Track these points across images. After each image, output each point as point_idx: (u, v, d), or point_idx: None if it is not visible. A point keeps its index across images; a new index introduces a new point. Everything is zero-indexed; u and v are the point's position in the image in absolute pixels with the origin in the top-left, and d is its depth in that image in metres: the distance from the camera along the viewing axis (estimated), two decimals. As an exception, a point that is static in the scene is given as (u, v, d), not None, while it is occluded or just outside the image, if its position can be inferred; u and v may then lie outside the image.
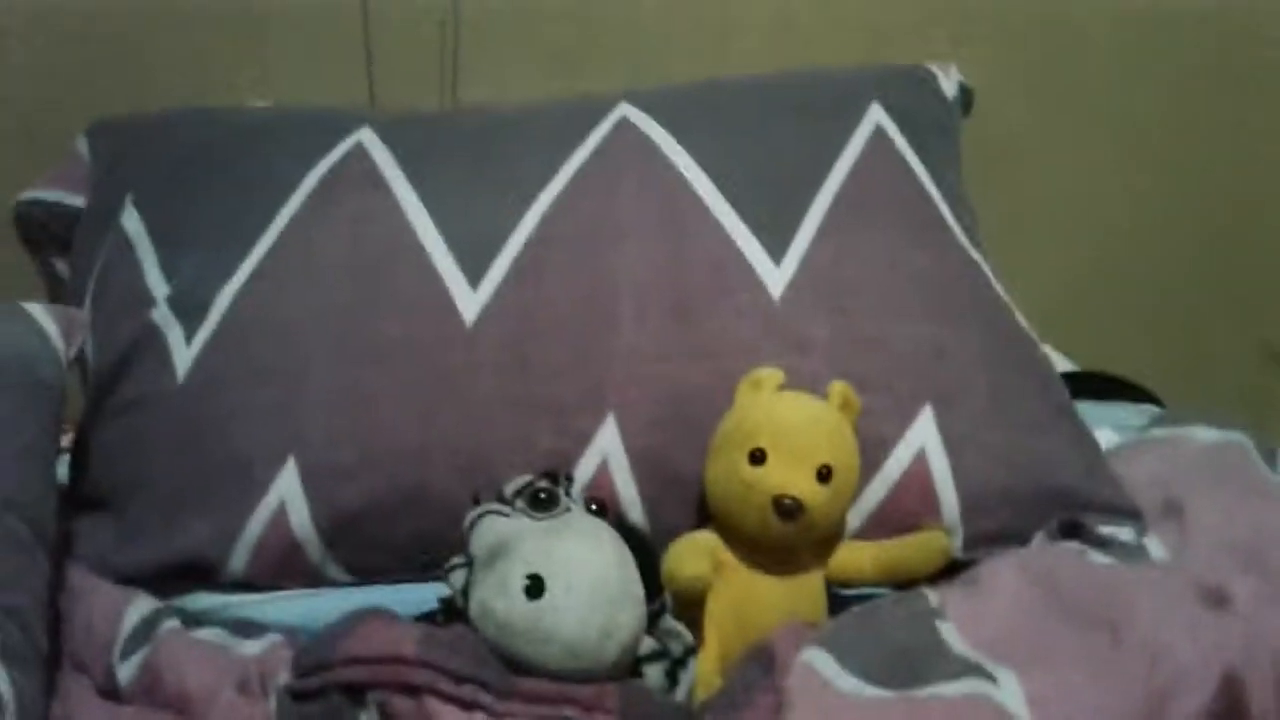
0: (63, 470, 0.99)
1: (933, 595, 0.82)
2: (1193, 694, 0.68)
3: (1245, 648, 0.70)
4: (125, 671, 0.78)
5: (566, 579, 0.68)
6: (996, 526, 0.90)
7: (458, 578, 0.73)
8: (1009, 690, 0.67)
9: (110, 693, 0.78)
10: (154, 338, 0.96)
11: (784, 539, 0.82)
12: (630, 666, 0.74)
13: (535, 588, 0.67)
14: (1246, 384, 1.64)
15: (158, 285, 0.99)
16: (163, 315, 0.96)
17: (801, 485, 0.80)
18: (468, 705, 0.66)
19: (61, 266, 1.17)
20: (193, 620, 0.84)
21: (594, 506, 0.76)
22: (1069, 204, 1.61)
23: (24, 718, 0.69)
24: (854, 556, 0.87)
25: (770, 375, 0.87)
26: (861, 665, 0.72)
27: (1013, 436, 0.93)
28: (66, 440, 0.98)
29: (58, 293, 1.12)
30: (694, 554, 0.81)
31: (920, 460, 0.90)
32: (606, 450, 0.90)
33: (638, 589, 0.71)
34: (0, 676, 0.69)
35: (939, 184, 1.07)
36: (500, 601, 0.68)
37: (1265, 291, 1.63)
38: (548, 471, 0.78)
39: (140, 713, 0.74)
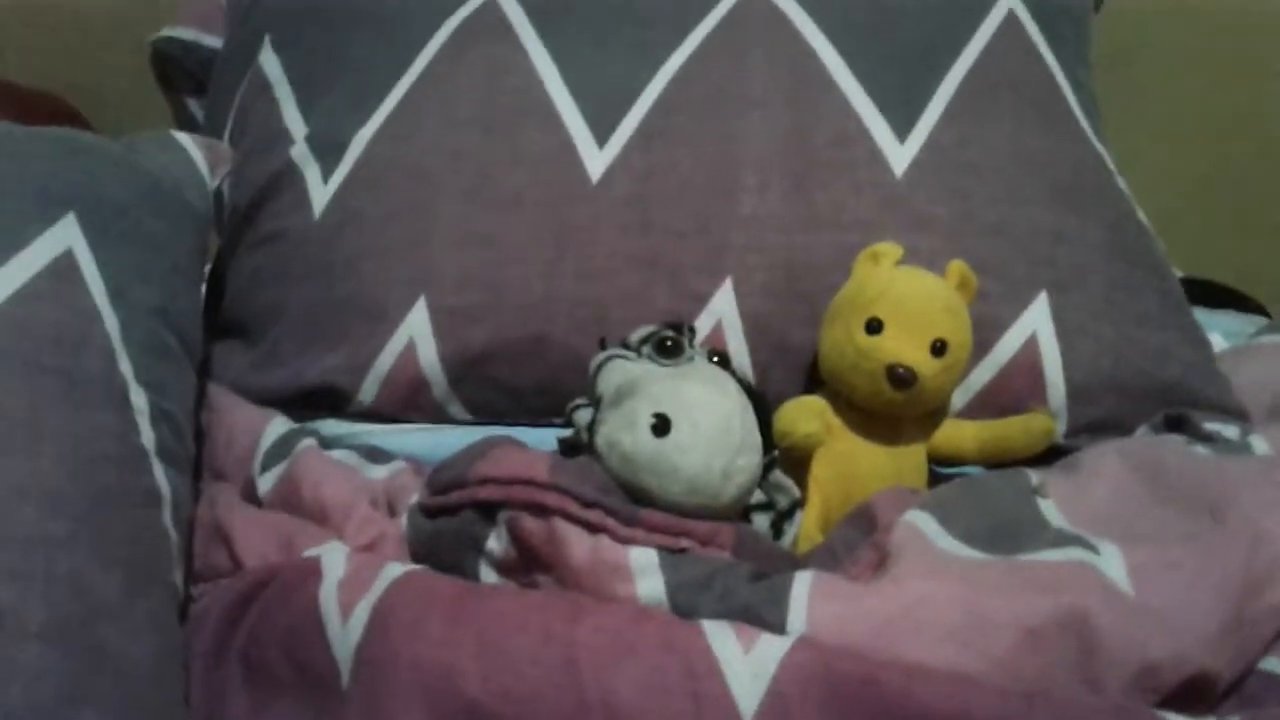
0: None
1: (1034, 474, 0.84)
2: None
3: None
4: (265, 484, 0.82)
5: (693, 419, 0.70)
6: (1101, 415, 0.92)
7: (582, 415, 0.77)
8: (1110, 560, 0.69)
9: (250, 501, 0.83)
10: (292, 175, 0.99)
11: (893, 408, 0.84)
12: (741, 512, 0.77)
13: (662, 426, 0.70)
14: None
15: (296, 125, 1.02)
16: (301, 153, 1.00)
17: (915, 356, 0.82)
18: (593, 529, 0.70)
19: (194, 106, 1.21)
20: (326, 444, 0.89)
21: (716, 358, 0.79)
22: (1188, 107, 1.57)
23: (178, 512, 0.74)
24: (957, 433, 0.88)
25: (890, 249, 0.88)
26: (964, 529, 0.74)
27: (1125, 327, 0.93)
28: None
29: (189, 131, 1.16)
30: (807, 413, 0.84)
31: (1031, 345, 0.91)
32: (721, 313, 0.92)
33: (757, 437, 0.74)
34: (160, 473, 0.73)
35: (1068, 75, 1.06)
36: (627, 436, 0.71)
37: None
38: (672, 323, 0.80)
39: (283, 517, 0.78)
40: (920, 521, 0.74)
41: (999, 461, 0.88)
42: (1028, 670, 0.64)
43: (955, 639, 0.64)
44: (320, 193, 0.98)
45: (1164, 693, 0.65)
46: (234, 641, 0.70)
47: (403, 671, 0.63)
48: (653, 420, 0.71)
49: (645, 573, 0.68)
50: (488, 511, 0.73)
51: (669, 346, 0.76)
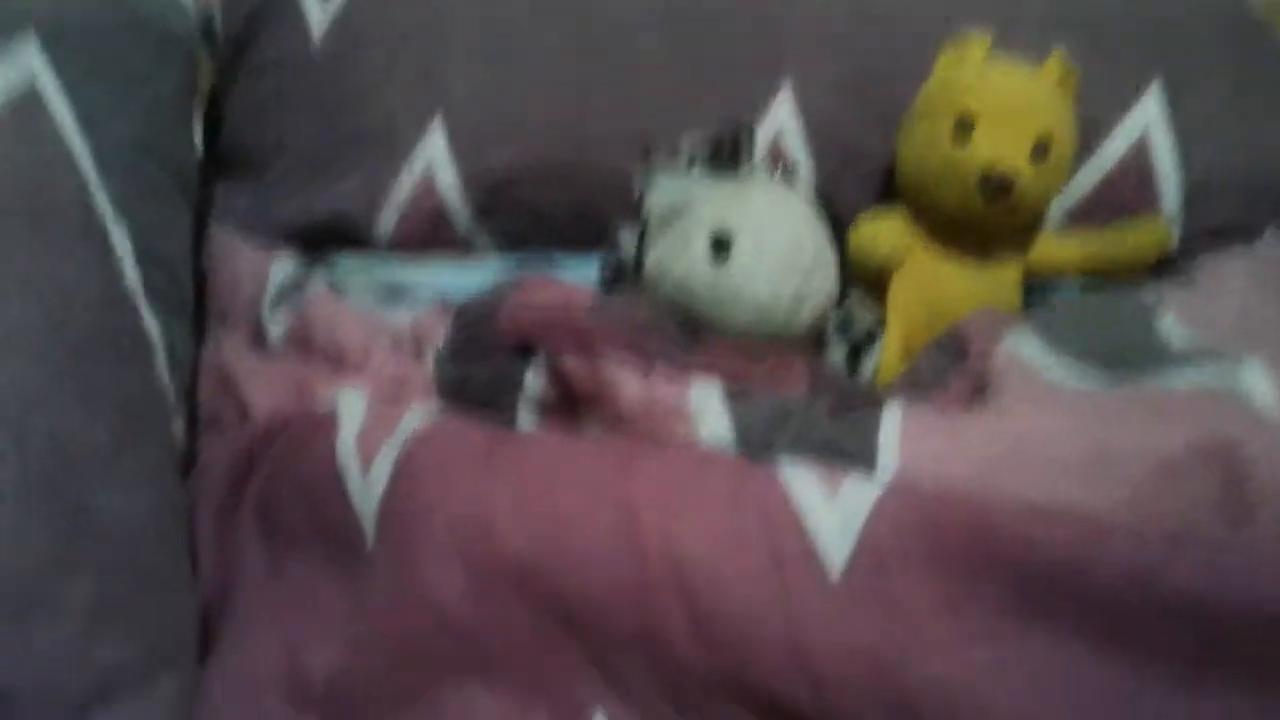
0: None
1: (1149, 295, 0.73)
2: None
3: None
4: (276, 327, 0.75)
5: (757, 240, 0.60)
6: (1221, 220, 0.81)
7: (628, 240, 0.66)
8: (1255, 377, 0.59)
9: (259, 346, 0.75)
10: (285, -1, 0.88)
11: (986, 221, 0.74)
12: (814, 342, 0.67)
13: (721, 247, 0.60)
14: None
15: (291, -59, 0.90)
16: (296, -29, 0.88)
17: (1014, 159, 0.71)
18: (648, 358, 0.60)
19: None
20: (341, 281, 0.80)
21: (780, 168, 0.68)
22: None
23: (173, 361, 0.67)
24: (1058, 246, 0.78)
25: (978, 39, 0.76)
26: (1075, 354, 0.65)
27: (1248, 120, 0.83)
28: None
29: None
30: (887, 230, 0.74)
31: (1142, 144, 0.81)
32: (781, 121, 0.81)
33: (830, 254, 0.64)
34: (150, 319, 0.66)
35: None
36: (680, 260, 0.61)
37: None
38: (730, 127, 0.69)
39: (295, 362, 0.70)
40: (1024, 345, 0.65)
41: (1106, 276, 0.78)
42: (1164, 508, 0.55)
43: (1076, 475, 0.55)
44: (318, 14, 0.87)
45: (1322, 531, 0.55)
46: (246, 495, 0.63)
47: (436, 527, 0.55)
48: (711, 241, 0.60)
49: (708, 412, 0.59)
50: (524, 350, 0.63)
51: (727, 155, 0.65)
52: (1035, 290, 0.78)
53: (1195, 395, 0.59)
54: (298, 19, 0.88)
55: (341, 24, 0.87)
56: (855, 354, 0.71)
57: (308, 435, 0.62)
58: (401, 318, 0.75)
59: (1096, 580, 0.50)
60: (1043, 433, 0.57)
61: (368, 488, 0.58)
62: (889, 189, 0.80)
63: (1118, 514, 0.54)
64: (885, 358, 0.72)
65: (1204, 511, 0.55)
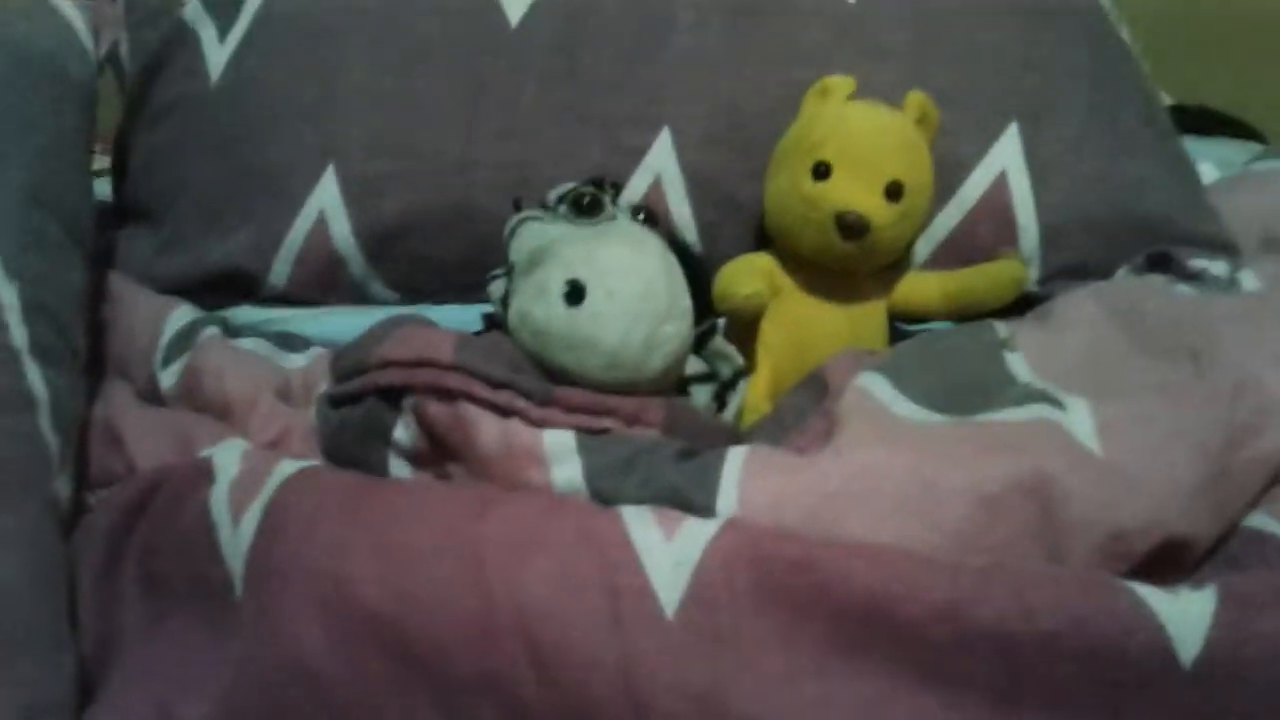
0: (106, 189, 0.96)
1: (1002, 326, 0.77)
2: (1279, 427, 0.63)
3: None
4: (167, 379, 0.76)
5: (608, 285, 0.63)
6: (1079, 258, 0.84)
7: (496, 287, 0.70)
8: (1078, 417, 0.63)
9: (152, 398, 0.76)
10: (185, 37, 0.90)
11: (846, 261, 0.77)
12: (676, 385, 0.71)
13: (575, 293, 0.63)
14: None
15: (189, -20, 0.92)
16: (194, 12, 0.91)
17: (868, 201, 0.74)
18: (504, 411, 0.63)
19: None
20: (236, 333, 0.82)
21: (641, 215, 0.71)
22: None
23: (58, 416, 0.67)
24: (920, 286, 0.81)
25: (841, 83, 0.80)
26: (921, 392, 0.67)
27: (1104, 159, 0.86)
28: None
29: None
30: (749, 273, 0.77)
31: (1000, 184, 0.84)
32: (660, 167, 0.84)
33: (685, 301, 0.67)
34: (33, 373, 0.67)
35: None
36: (538, 307, 0.64)
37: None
38: (593, 178, 0.72)
39: (181, 414, 0.72)
40: (871, 384, 0.68)
41: (968, 315, 0.80)
42: (986, 542, 0.58)
43: (904, 511, 0.58)
44: (216, 55, 0.89)
45: (1134, 560, 0.59)
46: (127, 552, 0.64)
47: (295, 580, 0.58)
48: (565, 288, 0.63)
49: (561, 457, 0.62)
50: (393, 398, 0.66)
51: (586, 204, 0.69)
52: (900, 331, 0.82)
53: (1019, 430, 0.62)
54: (196, 59, 0.90)
55: (237, 65, 0.88)
56: (722, 395, 0.74)
57: (185, 488, 0.64)
58: (297, 363, 0.78)
59: (910, 615, 0.53)
60: (875, 470, 0.60)
61: (237, 540, 0.60)
62: (767, 234, 0.82)
63: (941, 547, 0.57)
64: (752, 399, 0.75)
65: (1024, 545, 0.59)
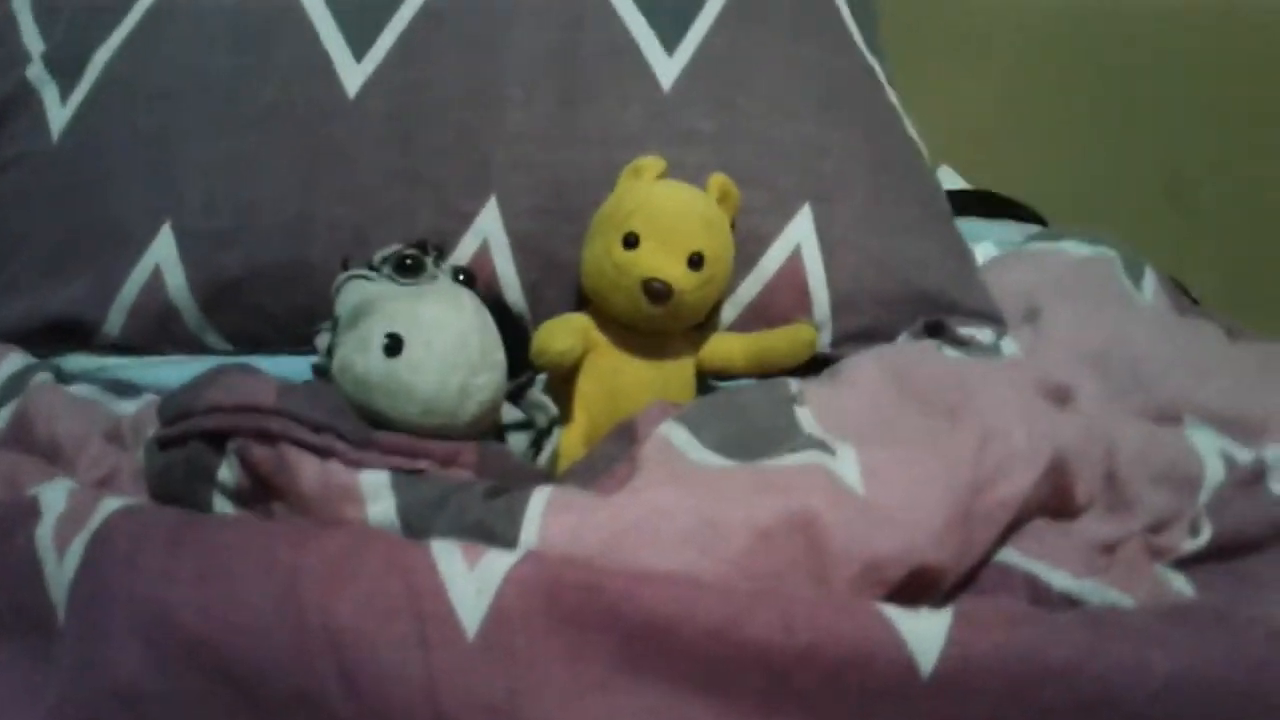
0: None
1: (794, 383, 0.85)
2: (1020, 474, 0.71)
3: (1078, 438, 0.74)
4: (-1, 422, 0.78)
5: (426, 338, 0.69)
6: (865, 324, 0.93)
7: (322, 339, 0.74)
8: (845, 461, 0.70)
9: (-19, 442, 0.78)
10: (28, 96, 0.93)
11: (654, 322, 0.84)
12: (492, 431, 0.76)
13: (394, 345, 0.68)
14: (1146, 214, 1.65)
15: (33, 41, 0.96)
16: (37, 73, 0.94)
17: (672, 270, 0.82)
18: (324, 454, 0.68)
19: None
20: (69, 379, 0.84)
21: (461, 276, 0.77)
22: (984, 26, 1.59)
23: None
24: (724, 345, 0.89)
25: (652, 163, 0.88)
26: (716, 440, 0.74)
27: (886, 238, 0.95)
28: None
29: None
30: (564, 330, 0.83)
31: (795, 258, 0.92)
32: (487, 232, 0.90)
33: (498, 354, 0.72)
34: None
35: (843, -14, 1.06)
36: (360, 358, 0.69)
37: (1170, 126, 1.63)
38: (417, 241, 0.78)
39: (10, 455, 0.74)
40: (671, 433, 0.74)
41: (767, 372, 0.88)
42: (760, 570, 0.64)
43: (689, 544, 0.64)
44: (58, 114, 0.92)
45: (891, 587, 0.66)
46: None
47: (117, 607, 0.60)
48: (385, 340, 0.69)
49: (376, 495, 0.66)
50: (217, 441, 0.70)
51: (408, 265, 0.74)
52: (709, 386, 0.89)
53: (792, 473, 0.69)
54: (39, 117, 0.93)
55: (79, 124, 0.92)
56: (538, 442, 0.80)
57: (12, 526, 0.66)
58: (128, 409, 0.80)
59: (687, 633, 0.59)
60: (664, 507, 0.66)
61: (61, 572, 0.62)
62: (586, 295, 0.90)
63: (723, 576, 0.63)
64: (567, 444, 0.81)
65: (794, 573, 0.65)
